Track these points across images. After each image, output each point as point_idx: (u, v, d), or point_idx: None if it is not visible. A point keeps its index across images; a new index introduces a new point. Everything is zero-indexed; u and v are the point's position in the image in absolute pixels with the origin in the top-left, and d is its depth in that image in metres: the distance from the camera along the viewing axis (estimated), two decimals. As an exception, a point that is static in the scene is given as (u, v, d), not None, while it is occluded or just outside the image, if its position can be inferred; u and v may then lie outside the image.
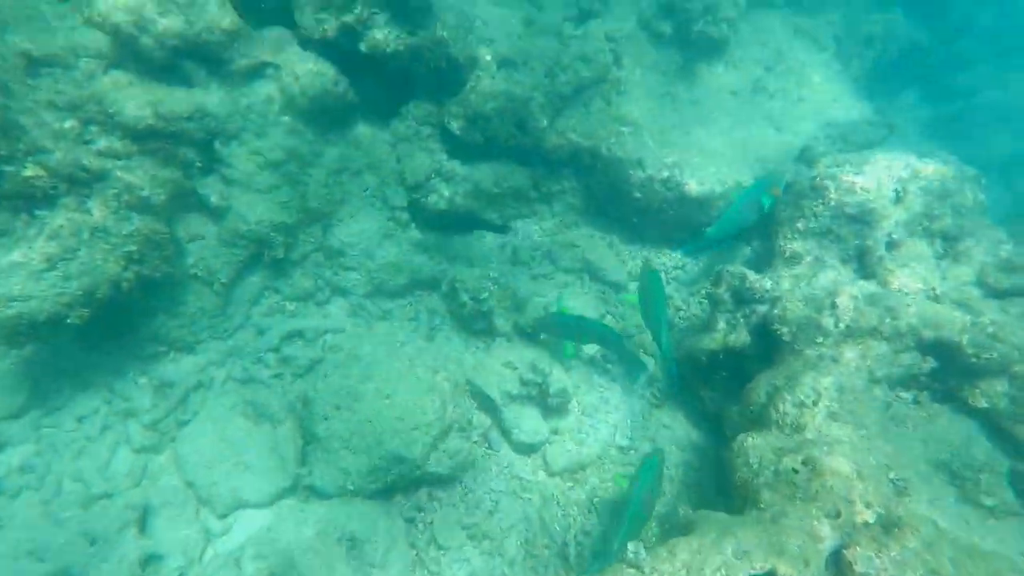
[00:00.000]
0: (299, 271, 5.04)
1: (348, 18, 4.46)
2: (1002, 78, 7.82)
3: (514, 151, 5.74)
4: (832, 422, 3.33)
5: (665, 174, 5.54)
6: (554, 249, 6.02)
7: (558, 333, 4.96)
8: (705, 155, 5.68)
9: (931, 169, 4.22)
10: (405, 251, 5.51)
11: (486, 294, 5.07)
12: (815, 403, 3.43)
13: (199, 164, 4.26)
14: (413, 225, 5.64)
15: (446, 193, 5.57)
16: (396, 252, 5.46)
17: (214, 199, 4.35)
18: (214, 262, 4.43)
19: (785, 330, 4.02)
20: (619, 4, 6.05)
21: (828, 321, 3.92)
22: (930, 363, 3.75)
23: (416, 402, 4.31)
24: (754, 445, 3.49)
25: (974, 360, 3.53)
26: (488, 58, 5.42)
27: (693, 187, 5.50)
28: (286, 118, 4.69)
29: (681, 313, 5.82)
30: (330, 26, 4.47)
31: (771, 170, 5.25)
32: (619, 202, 5.85)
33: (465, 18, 5.07)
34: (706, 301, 5.29)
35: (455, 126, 5.38)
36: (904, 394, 3.83)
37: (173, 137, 4.02)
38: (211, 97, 4.16)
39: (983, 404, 3.50)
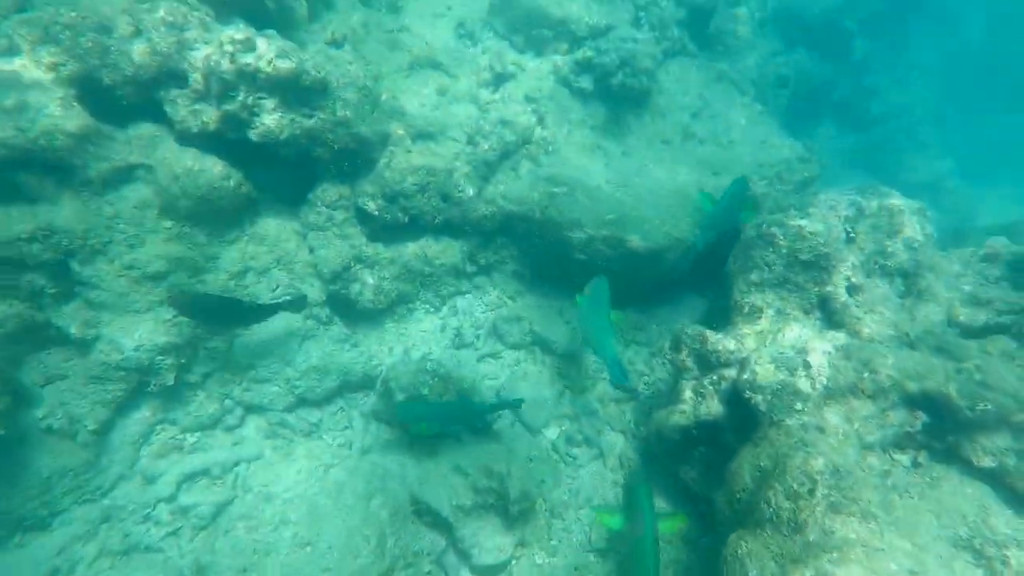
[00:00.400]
0: (200, 394, 4.26)
1: (231, 107, 3.97)
2: (907, 105, 8.19)
3: (443, 225, 5.29)
4: (835, 515, 2.81)
5: (605, 232, 5.19)
6: (499, 324, 5.49)
7: (419, 420, 4.21)
8: (645, 207, 5.40)
9: (875, 205, 4.01)
10: (330, 351, 4.83)
11: (425, 390, 4.42)
12: (811, 492, 2.93)
13: (52, 291, 3.53)
14: (336, 320, 4.99)
15: (371, 280, 4.99)
16: (320, 354, 4.77)
17: (75, 329, 3.60)
18: (78, 406, 3.62)
19: (760, 398, 3.56)
20: (534, 65, 5.88)
21: (804, 383, 3.49)
22: (921, 418, 3.36)
23: (347, 543, 3.54)
24: (751, 552, 2.92)
25: (968, 413, 3.14)
26: (401, 132, 5.03)
27: (637, 242, 5.15)
28: (168, 223, 4.06)
29: (645, 379, 5.34)
30: (210, 117, 3.97)
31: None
32: (562, 265, 5.43)
33: (369, 94, 4.69)
34: (669, 364, 4.82)
35: (372, 207, 4.89)
36: (900, 456, 3.40)
37: (11, 264, 3.31)
38: (61, 211, 3.51)
39: (988, 463, 3.10)
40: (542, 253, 5.43)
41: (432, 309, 5.55)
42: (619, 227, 5.20)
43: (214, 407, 4.23)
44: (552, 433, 5.03)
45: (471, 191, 5.19)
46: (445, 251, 5.36)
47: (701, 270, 5.46)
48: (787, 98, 7.26)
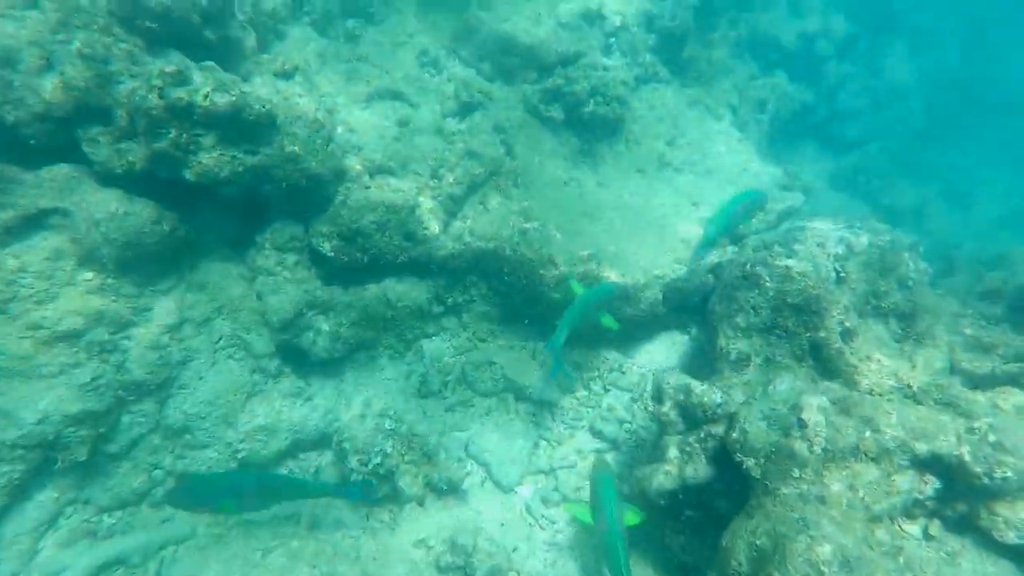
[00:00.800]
0: (124, 466, 3.76)
1: (161, 145, 3.58)
2: (887, 127, 8.10)
3: (406, 264, 4.90)
4: (845, 614, 2.41)
5: (581, 269, 4.86)
6: (468, 370, 5.07)
7: (208, 501, 3.44)
8: (622, 242, 5.09)
9: (865, 241, 3.72)
10: (279, 408, 4.36)
11: (378, 458, 3.97)
12: (816, 584, 2.52)
13: (-63, 360, 3.07)
14: (288, 372, 4.54)
15: (326, 327, 4.56)
16: (267, 411, 4.31)
17: (-37, 404, 3.13)
18: (-38, 496, 3.12)
19: (752, 462, 3.18)
20: (502, 93, 5.60)
21: (800, 446, 3.12)
22: (932, 483, 3.00)
23: (285, 647, 3.03)
24: (749, 656, 2.50)
25: (986, 481, 2.79)
26: (359, 167, 4.68)
27: (614, 279, 4.83)
28: (88, 274, 3.62)
29: (626, 427, 4.94)
30: (137, 156, 3.58)
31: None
32: (535, 304, 5.07)
33: (321, 127, 4.34)
34: (651, 411, 4.43)
35: (327, 247, 4.50)
36: (910, 527, 3.02)
37: None
38: (-53, 269, 3.08)
39: (1013, 539, 2.73)
40: (514, 292, 5.06)
41: (396, 355, 5.12)
42: (595, 263, 4.88)
43: (140, 480, 3.73)
44: (526, 492, 4.58)
45: (436, 228, 4.82)
46: (409, 292, 4.97)
47: (683, 306, 5.12)
48: (767, 123, 7.10)
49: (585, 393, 5.17)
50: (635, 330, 5.12)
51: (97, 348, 3.60)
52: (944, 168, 8.19)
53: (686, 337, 5.32)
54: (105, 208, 3.54)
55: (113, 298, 3.70)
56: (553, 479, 4.70)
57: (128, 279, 3.79)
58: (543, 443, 4.92)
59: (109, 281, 3.69)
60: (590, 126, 5.62)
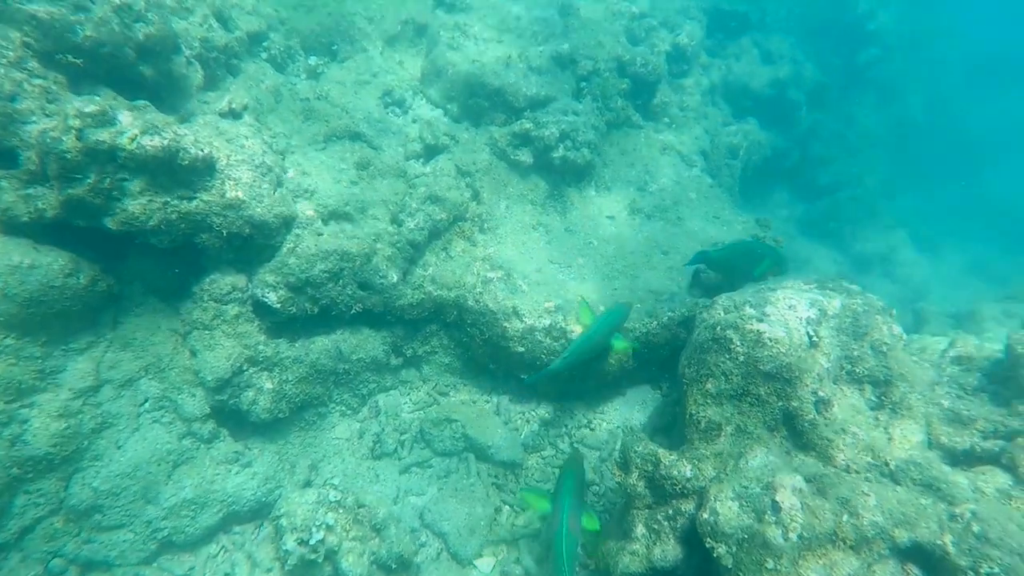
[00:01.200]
0: (14, 557, 3.28)
1: (77, 190, 3.25)
2: (857, 175, 8.18)
3: (361, 315, 4.58)
4: None
5: (547, 321, 4.60)
6: (426, 428, 4.72)
7: None
8: (589, 292, 4.87)
9: (838, 304, 3.57)
10: (211, 476, 3.94)
11: (320, 534, 3.57)
12: None
13: None
14: (224, 435, 4.13)
15: (268, 385, 4.18)
16: (196, 481, 3.88)
17: None
18: None
19: (723, 550, 2.91)
20: (468, 136, 5.42)
21: (774, 532, 2.86)
22: (914, 574, 2.76)
23: None
24: None
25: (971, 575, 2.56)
26: (311, 213, 4.39)
27: (580, 331, 4.58)
28: (-13, 333, 3.21)
29: (595, 489, 4.63)
30: (48, 203, 3.24)
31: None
32: (499, 357, 4.78)
33: (269, 171, 4.06)
34: (618, 481, 4.14)
35: (273, 298, 4.16)
36: (894, 625, 2.76)
37: None
38: None
39: (1004, 645, 2.49)
40: (477, 344, 4.77)
41: (348, 411, 4.76)
42: (561, 315, 4.64)
43: (31, 574, 3.25)
44: (485, 565, 4.21)
45: (394, 276, 4.54)
46: (364, 343, 4.64)
47: (653, 359, 4.89)
48: (739, 169, 7.07)
49: (551, 452, 4.87)
50: (602, 385, 4.87)
51: (-7, 420, 3.17)
52: (911, 215, 8.31)
53: (657, 393, 5.08)
54: (5, 260, 3.16)
55: (11, 361, 3.28)
56: (515, 550, 4.34)
57: (32, 338, 3.38)
58: (506, 508, 4.56)
59: (8, 342, 3.27)
60: (560, 171, 5.47)
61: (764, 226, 5.34)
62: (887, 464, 3.11)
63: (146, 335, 3.88)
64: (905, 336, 3.59)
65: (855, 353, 3.52)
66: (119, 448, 3.65)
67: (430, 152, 5.26)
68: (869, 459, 3.16)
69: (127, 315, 3.85)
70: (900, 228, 7.74)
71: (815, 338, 3.46)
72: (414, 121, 5.48)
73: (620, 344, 4.38)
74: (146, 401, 3.81)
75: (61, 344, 3.51)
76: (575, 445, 4.73)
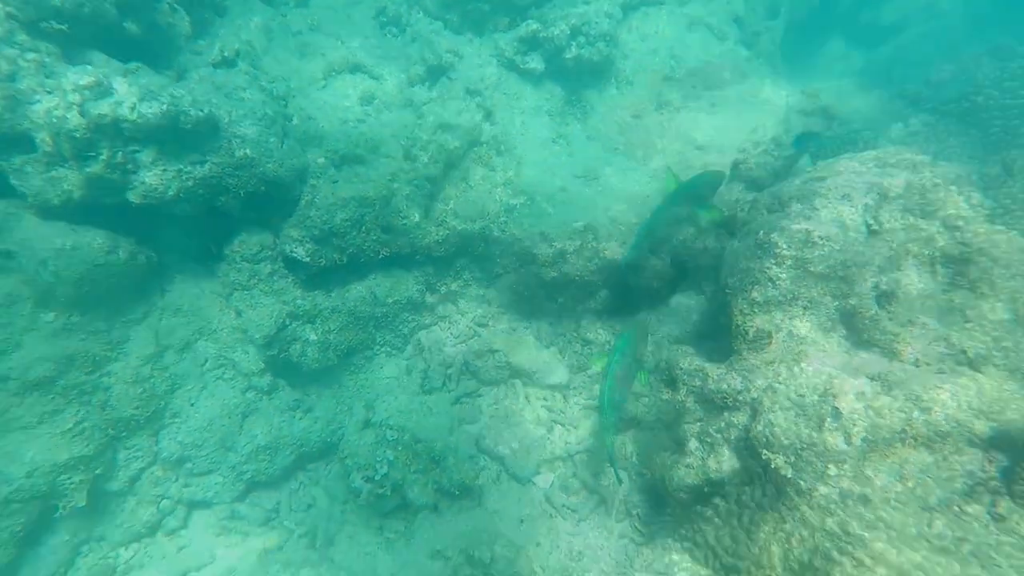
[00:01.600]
0: (130, 501, 3.72)
1: (95, 168, 3.25)
2: (929, 8, 6.78)
3: (390, 258, 4.55)
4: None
5: (577, 243, 4.40)
6: (471, 360, 4.80)
7: None
8: (619, 204, 4.56)
9: (901, 183, 3.13)
10: (278, 423, 4.23)
11: (384, 469, 3.80)
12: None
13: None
14: (283, 385, 4.37)
15: (313, 337, 4.32)
16: (267, 429, 4.17)
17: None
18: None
19: (781, 460, 2.84)
20: (473, 50, 4.96)
21: (835, 439, 2.74)
22: (999, 461, 2.60)
23: None
24: None
25: (1061, 463, 2.37)
26: (322, 160, 4.25)
27: (615, 250, 4.36)
28: (49, 315, 3.42)
29: (644, 400, 4.63)
30: (73, 183, 3.26)
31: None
32: (532, 284, 4.68)
33: (273, 122, 3.90)
34: (665, 399, 4.08)
35: (301, 252, 4.17)
36: (973, 508, 2.65)
37: None
38: None
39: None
40: (509, 273, 4.67)
41: (394, 351, 4.89)
42: (592, 235, 4.40)
43: (149, 512, 3.70)
44: (544, 481, 4.39)
45: (416, 215, 4.42)
46: (397, 285, 4.65)
47: (693, 265, 4.62)
48: (781, 31, 6.11)
49: (598, 369, 4.85)
50: (645, 300, 4.69)
51: (75, 391, 3.46)
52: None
53: (702, 297, 4.86)
54: (50, 244, 3.28)
55: (82, 336, 3.52)
56: (571, 464, 4.49)
57: (94, 314, 3.59)
58: (558, 427, 4.68)
59: (74, 319, 3.49)
60: (575, 72, 4.97)
61: (811, 96, 4.69)
62: (964, 352, 2.84)
63: (192, 300, 4.03)
64: (985, 204, 3.13)
65: (924, 234, 3.13)
66: (192, 405, 3.95)
67: (434, 73, 4.89)
68: (942, 349, 2.90)
69: (171, 283, 4.00)
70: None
71: (874, 226, 3.09)
72: (413, 40, 5.05)
73: (707, 213, 4.02)
74: (206, 361, 4.04)
75: (120, 317, 3.71)
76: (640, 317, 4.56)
